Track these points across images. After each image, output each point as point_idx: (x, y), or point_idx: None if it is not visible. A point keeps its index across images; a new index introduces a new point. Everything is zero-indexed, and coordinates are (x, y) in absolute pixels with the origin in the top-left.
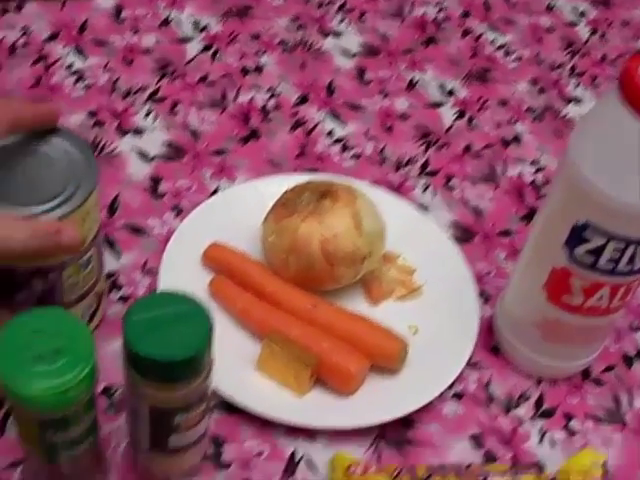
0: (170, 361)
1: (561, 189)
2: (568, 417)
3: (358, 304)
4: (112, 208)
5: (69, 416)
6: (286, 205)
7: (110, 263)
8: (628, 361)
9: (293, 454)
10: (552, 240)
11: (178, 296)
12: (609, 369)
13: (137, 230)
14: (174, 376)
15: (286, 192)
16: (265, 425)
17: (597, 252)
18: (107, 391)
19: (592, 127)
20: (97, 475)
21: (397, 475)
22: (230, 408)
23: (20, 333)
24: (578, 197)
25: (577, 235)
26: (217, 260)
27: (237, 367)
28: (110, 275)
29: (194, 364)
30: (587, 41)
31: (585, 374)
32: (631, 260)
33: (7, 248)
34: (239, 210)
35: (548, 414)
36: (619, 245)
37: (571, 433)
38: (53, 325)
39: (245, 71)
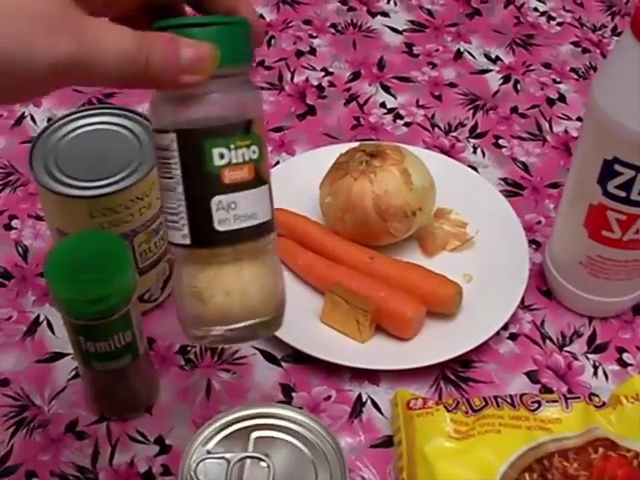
0: None
1: (589, 129)
2: (621, 351)
3: (414, 257)
4: None
5: (100, 326)
6: (339, 168)
7: None
8: None
9: (359, 397)
10: (587, 178)
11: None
12: None
13: None
14: None
15: (339, 157)
16: (331, 373)
17: (628, 185)
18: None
19: (610, 67)
20: (144, 396)
21: (455, 407)
22: (299, 359)
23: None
24: (604, 134)
25: (608, 170)
26: (280, 223)
27: (303, 320)
28: None
29: None
30: (627, 1)
31: (636, 310)
32: None
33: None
34: (298, 179)
35: (601, 349)
36: None
37: (624, 365)
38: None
39: (300, 54)
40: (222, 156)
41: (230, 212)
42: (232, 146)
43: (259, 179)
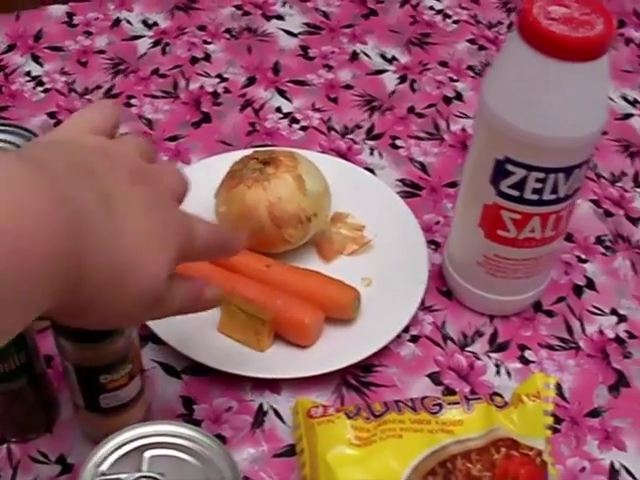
0: None
1: (480, 130)
2: (522, 348)
3: (312, 263)
4: None
5: None
6: (233, 176)
7: None
8: (578, 290)
9: (261, 407)
10: (480, 178)
11: None
12: (560, 300)
13: None
14: (88, 335)
15: (233, 165)
16: (232, 383)
17: (521, 184)
18: None
19: (498, 68)
20: (43, 416)
21: (356, 413)
22: (198, 371)
23: None
24: (495, 135)
25: (500, 170)
26: None
27: (202, 331)
28: None
29: None
30: None
31: (536, 307)
32: (554, 189)
33: (166, 310)
34: (193, 188)
35: (503, 348)
36: (539, 175)
37: (526, 363)
38: None
39: (194, 60)
40: (106, 378)
41: (109, 399)
42: (116, 374)
43: (131, 378)
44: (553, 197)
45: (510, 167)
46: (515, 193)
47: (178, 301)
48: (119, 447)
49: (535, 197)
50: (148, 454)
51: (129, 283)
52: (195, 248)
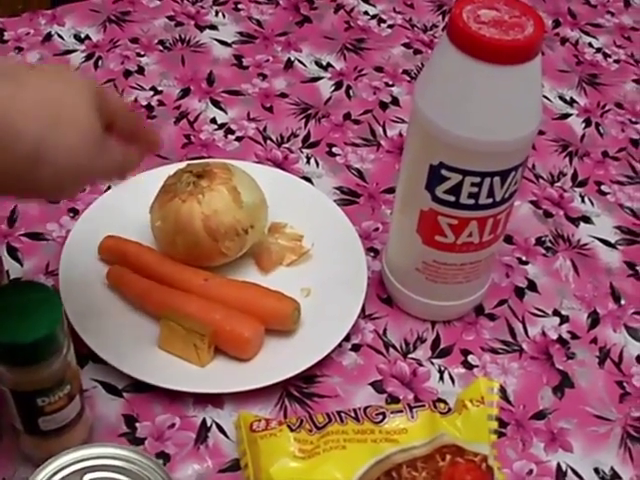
0: (15, 344)
1: (414, 135)
2: (465, 353)
3: (251, 275)
4: (12, 219)
5: None
6: (168, 190)
7: (14, 270)
8: (520, 292)
9: (204, 422)
10: (415, 184)
11: (30, 285)
12: (502, 303)
13: (37, 236)
14: (23, 359)
15: (167, 179)
16: (174, 399)
17: (456, 189)
18: None
19: (430, 73)
20: None
21: (299, 426)
22: (139, 388)
23: None
24: (428, 140)
25: (435, 176)
26: (112, 251)
27: (141, 348)
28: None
29: (41, 347)
30: None
31: (478, 310)
32: (490, 193)
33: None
34: (129, 204)
35: (445, 353)
36: (475, 179)
37: (470, 367)
38: None
39: (128, 73)
40: (44, 401)
41: (48, 422)
42: (53, 396)
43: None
44: (489, 201)
45: (445, 172)
46: (451, 198)
47: (117, 155)
48: (58, 471)
49: (471, 202)
50: (87, 477)
51: (66, 123)
52: (110, 102)
